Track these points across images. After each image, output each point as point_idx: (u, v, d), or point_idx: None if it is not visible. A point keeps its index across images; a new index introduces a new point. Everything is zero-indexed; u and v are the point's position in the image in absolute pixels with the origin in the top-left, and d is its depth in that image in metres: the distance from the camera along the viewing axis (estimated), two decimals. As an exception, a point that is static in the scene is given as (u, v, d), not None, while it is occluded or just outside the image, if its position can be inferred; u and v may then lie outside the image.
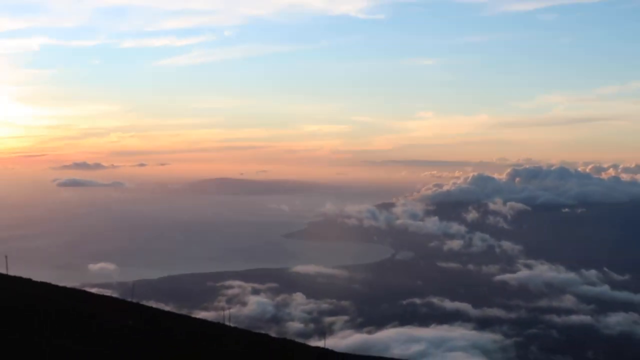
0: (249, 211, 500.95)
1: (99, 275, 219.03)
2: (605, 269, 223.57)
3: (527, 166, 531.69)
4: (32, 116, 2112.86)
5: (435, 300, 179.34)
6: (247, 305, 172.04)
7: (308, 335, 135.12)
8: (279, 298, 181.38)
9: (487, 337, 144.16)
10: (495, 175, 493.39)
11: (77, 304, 24.43)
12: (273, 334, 56.42)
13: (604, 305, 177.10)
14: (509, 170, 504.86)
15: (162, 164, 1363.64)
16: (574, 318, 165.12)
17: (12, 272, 32.25)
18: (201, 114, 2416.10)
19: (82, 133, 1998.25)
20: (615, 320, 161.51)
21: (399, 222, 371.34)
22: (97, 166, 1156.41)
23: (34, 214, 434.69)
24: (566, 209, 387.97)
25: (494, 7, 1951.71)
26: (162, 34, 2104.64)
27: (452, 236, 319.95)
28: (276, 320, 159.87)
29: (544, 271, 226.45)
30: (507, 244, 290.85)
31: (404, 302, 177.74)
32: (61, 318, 19.45)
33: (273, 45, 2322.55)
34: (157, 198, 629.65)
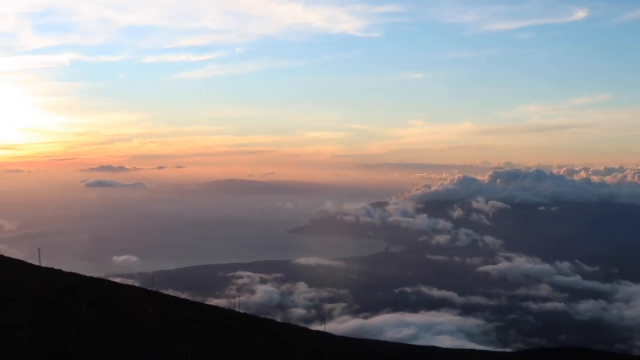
0: (257, 209, 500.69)
1: (123, 266, 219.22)
2: (577, 261, 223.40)
3: (507, 169, 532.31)
4: (63, 124, 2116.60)
5: (424, 289, 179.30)
6: (256, 294, 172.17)
7: (310, 320, 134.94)
8: (284, 287, 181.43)
9: (471, 323, 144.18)
10: (479, 177, 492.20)
11: (103, 293, 24.39)
12: (279, 320, 56.29)
13: (576, 294, 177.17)
14: (491, 172, 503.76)
15: (179, 167, 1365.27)
16: (549, 305, 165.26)
17: (44, 264, 32.22)
18: (214, 122, 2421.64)
19: (108, 139, 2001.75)
20: (586, 308, 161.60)
21: (392, 219, 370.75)
22: (121, 169, 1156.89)
23: (64, 212, 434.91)
24: (542, 208, 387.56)
25: (477, 27, 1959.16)
26: (180, 51, 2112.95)
27: (439, 232, 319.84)
28: (282, 307, 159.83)
29: (522, 263, 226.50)
30: (489, 239, 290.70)
31: (396, 291, 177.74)
32: (88, 306, 19.42)
33: (279, 61, 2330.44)
34: (175, 198, 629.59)
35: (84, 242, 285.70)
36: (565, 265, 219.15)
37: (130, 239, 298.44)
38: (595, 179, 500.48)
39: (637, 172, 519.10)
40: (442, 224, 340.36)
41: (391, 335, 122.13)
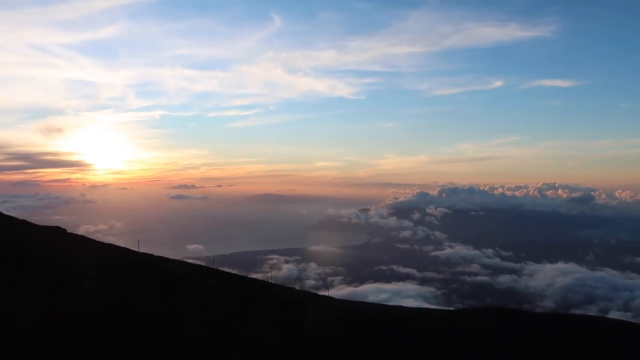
0: (282, 214, 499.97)
1: (193, 252, 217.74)
2: (497, 248, 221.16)
3: (450, 186, 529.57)
4: (154, 157, 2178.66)
5: (394, 267, 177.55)
6: (282, 270, 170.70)
7: (318, 288, 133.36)
8: (301, 266, 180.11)
9: (426, 290, 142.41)
10: (430, 192, 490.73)
11: (179, 269, 24.33)
12: (297, 288, 56.01)
13: (497, 271, 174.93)
14: (438, 189, 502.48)
15: (232, 186, 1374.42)
16: (478, 278, 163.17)
17: (141, 250, 32.17)
18: (254, 155, 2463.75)
19: (183, 167, 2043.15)
20: (503, 280, 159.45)
21: (372, 220, 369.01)
22: (193, 187, 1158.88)
23: (154, 216, 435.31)
24: (473, 212, 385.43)
25: (429, 92, 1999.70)
26: (232, 108, 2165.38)
27: (404, 228, 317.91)
28: (299, 279, 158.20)
29: (460, 250, 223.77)
30: (438, 233, 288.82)
31: (376, 268, 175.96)
32: (169, 278, 19.39)
33: (298, 114, 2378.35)
34: (229, 206, 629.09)
35: (167, 235, 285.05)
36: (489, 251, 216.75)
37: (198, 233, 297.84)
38: (509, 193, 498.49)
39: (537, 189, 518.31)
40: (406, 223, 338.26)
41: (372, 298, 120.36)
